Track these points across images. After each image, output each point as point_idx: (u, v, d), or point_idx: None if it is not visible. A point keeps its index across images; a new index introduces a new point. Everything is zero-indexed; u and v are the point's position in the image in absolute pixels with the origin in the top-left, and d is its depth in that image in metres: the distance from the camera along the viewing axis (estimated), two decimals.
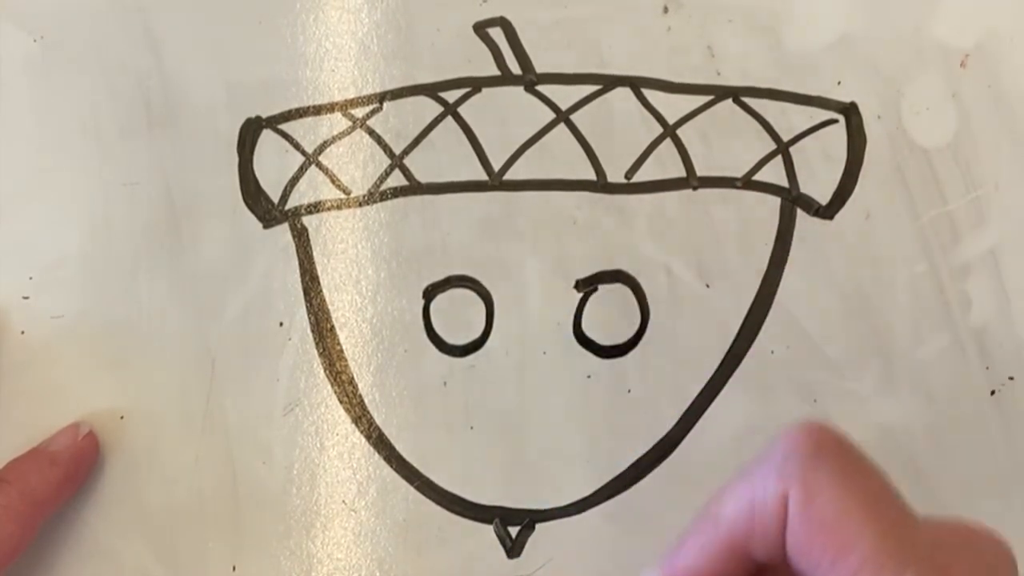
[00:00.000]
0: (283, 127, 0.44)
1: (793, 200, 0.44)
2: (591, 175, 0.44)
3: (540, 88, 0.44)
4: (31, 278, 0.44)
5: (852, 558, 0.32)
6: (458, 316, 0.44)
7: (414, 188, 0.44)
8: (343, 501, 0.43)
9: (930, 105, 0.44)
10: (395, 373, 0.44)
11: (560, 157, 0.44)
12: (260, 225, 0.44)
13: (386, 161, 0.44)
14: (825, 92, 0.44)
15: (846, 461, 0.33)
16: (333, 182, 0.44)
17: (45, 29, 0.44)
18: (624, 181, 0.44)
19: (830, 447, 0.33)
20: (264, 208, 0.44)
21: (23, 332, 0.44)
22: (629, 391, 0.44)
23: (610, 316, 0.44)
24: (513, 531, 0.44)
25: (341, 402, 0.44)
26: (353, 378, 0.44)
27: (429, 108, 0.44)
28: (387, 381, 0.44)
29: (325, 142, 0.44)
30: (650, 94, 0.44)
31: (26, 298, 0.44)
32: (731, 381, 0.43)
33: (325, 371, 0.44)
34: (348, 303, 0.44)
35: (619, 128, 0.44)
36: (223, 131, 0.44)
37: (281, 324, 0.44)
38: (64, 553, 0.43)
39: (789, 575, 0.34)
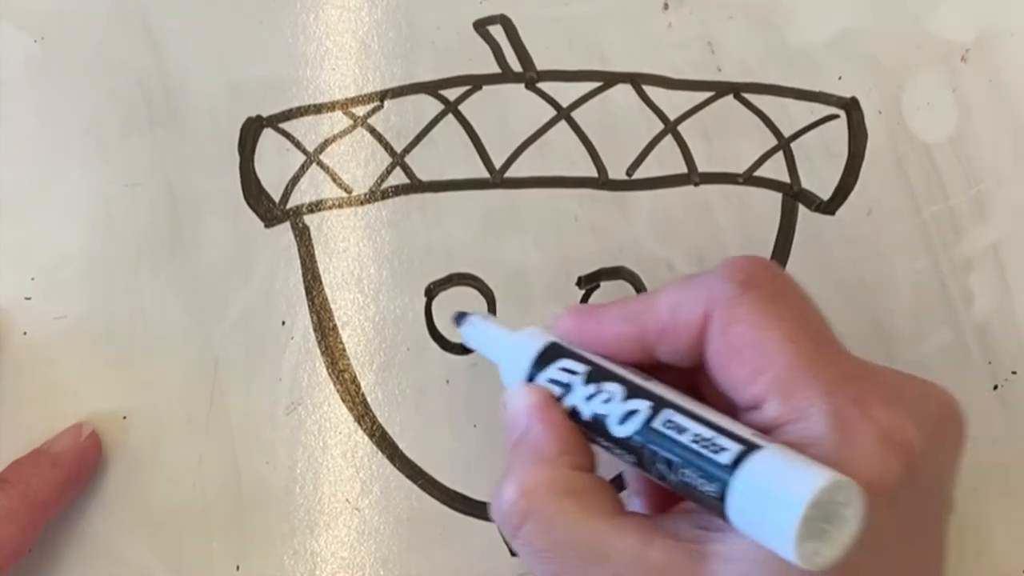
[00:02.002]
0: (284, 126, 0.44)
1: (794, 196, 0.44)
2: (592, 172, 0.44)
3: (541, 85, 0.44)
4: (33, 279, 0.44)
5: (763, 379, 0.33)
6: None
7: (415, 186, 0.44)
8: (346, 500, 0.43)
9: (931, 100, 0.44)
10: (397, 372, 0.44)
11: (561, 154, 0.44)
12: (262, 224, 0.44)
13: (387, 159, 0.44)
14: (826, 87, 0.44)
15: (772, 293, 0.34)
16: (334, 181, 0.44)
17: (46, 29, 0.44)
18: (625, 178, 0.44)
19: (760, 279, 0.34)
20: (265, 207, 0.44)
21: (25, 333, 0.44)
22: None
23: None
24: None
25: (344, 401, 0.44)
26: (355, 377, 0.44)
27: (430, 106, 0.44)
28: (389, 380, 0.44)
29: (326, 141, 0.44)
30: (651, 90, 0.44)
31: (28, 299, 0.44)
32: None
33: (327, 370, 0.44)
34: (350, 302, 0.44)
35: (620, 125, 0.44)
36: (224, 130, 0.44)
37: (283, 323, 0.44)
38: (68, 554, 0.43)
39: (678, 377, 0.36)
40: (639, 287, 0.44)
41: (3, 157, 0.44)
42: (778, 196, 0.44)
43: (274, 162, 0.44)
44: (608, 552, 0.33)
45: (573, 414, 0.36)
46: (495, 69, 0.44)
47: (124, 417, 0.44)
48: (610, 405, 0.34)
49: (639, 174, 0.44)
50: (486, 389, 0.44)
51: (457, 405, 0.44)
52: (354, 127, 0.44)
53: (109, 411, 0.44)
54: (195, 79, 0.44)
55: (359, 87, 0.44)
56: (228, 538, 0.43)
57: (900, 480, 0.31)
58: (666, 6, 0.44)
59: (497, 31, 0.44)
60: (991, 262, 0.44)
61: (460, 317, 0.41)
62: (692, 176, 0.44)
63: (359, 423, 0.44)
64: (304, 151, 0.44)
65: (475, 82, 0.44)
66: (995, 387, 0.43)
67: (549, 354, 0.37)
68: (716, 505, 0.31)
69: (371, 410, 0.44)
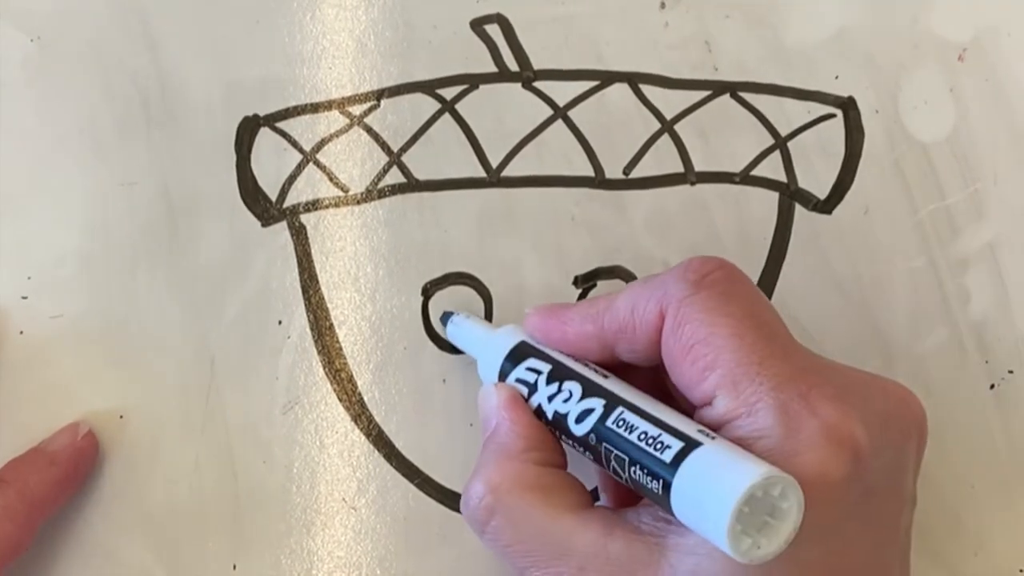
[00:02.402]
0: (281, 125, 0.44)
1: (791, 195, 0.44)
2: (589, 171, 0.44)
3: (538, 84, 0.44)
4: (30, 278, 0.44)
5: (713, 375, 0.33)
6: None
7: (412, 185, 0.44)
8: (343, 499, 0.43)
9: (928, 99, 0.44)
10: (394, 371, 0.44)
11: (558, 153, 0.44)
12: (258, 224, 0.44)
13: (384, 158, 0.44)
14: (823, 86, 0.44)
15: (724, 291, 0.35)
16: (331, 180, 0.44)
17: (42, 29, 0.44)
18: (622, 177, 0.44)
19: (713, 278, 0.35)
20: (262, 206, 0.44)
21: (22, 332, 0.44)
22: None
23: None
24: None
25: (340, 400, 0.44)
26: (352, 376, 0.44)
27: (427, 105, 0.44)
28: (386, 379, 0.44)
29: (323, 140, 0.44)
30: (648, 90, 0.44)
31: (25, 298, 0.44)
32: None
33: (324, 369, 0.44)
34: (347, 301, 0.44)
35: (617, 124, 0.44)
36: (221, 130, 0.44)
37: (280, 322, 0.44)
38: (64, 553, 0.43)
39: (642, 376, 0.37)
40: None
41: (0, 157, 0.44)
42: (775, 195, 0.44)
43: (271, 161, 0.44)
44: (571, 545, 0.34)
45: (539, 412, 0.37)
46: (492, 68, 0.44)
47: (121, 416, 0.44)
48: (569, 404, 0.36)
49: (636, 173, 0.44)
50: None
51: (454, 404, 0.44)
52: (351, 126, 0.44)
53: (106, 410, 0.44)
54: (192, 78, 0.44)
55: (356, 86, 0.44)
56: (225, 537, 0.43)
57: (846, 474, 0.32)
58: (663, 5, 0.44)
59: (494, 30, 0.44)
60: (988, 261, 0.44)
61: (446, 317, 0.42)
62: (689, 175, 0.44)
63: (356, 422, 0.44)
64: (301, 150, 0.44)
65: (472, 81, 0.44)
66: (992, 386, 0.43)
67: (518, 353, 0.38)
68: (664, 502, 0.32)
69: (368, 409, 0.44)
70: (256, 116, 0.44)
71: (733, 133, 0.44)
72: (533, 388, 0.37)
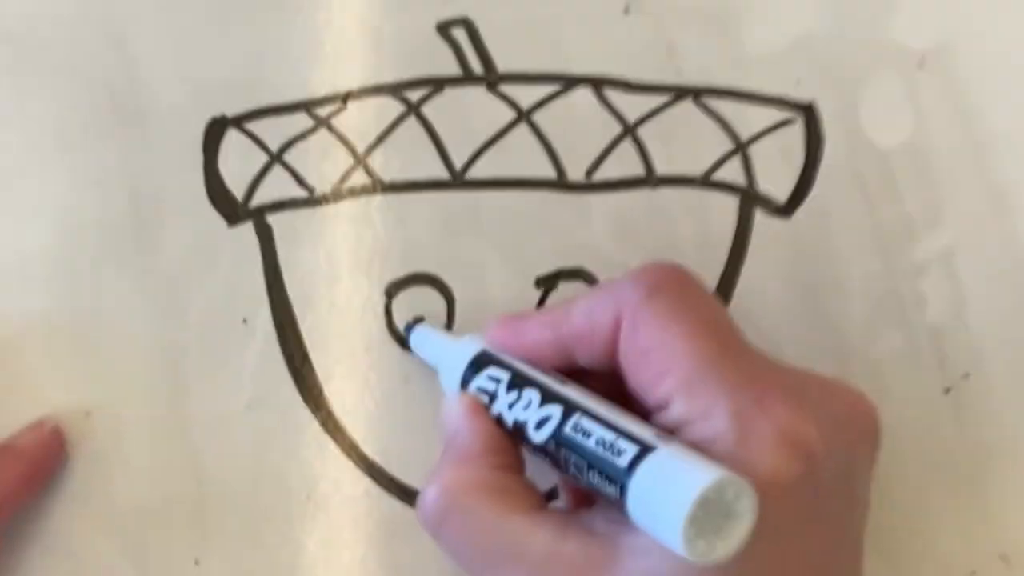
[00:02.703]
0: (248, 126, 0.45)
1: (751, 199, 0.44)
2: (552, 174, 0.44)
3: (502, 88, 0.44)
4: None
5: (668, 380, 0.34)
6: (420, 314, 0.44)
7: (377, 186, 0.44)
8: (306, 497, 0.44)
9: (888, 105, 0.44)
10: (357, 370, 0.44)
11: (521, 156, 0.44)
12: (225, 223, 0.44)
13: (350, 160, 0.44)
14: (784, 92, 0.44)
15: (678, 295, 0.35)
16: (297, 181, 0.44)
17: (10, 29, 0.45)
18: (584, 180, 0.44)
19: (667, 283, 0.36)
20: (229, 206, 0.44)
21: None
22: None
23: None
24: None
25: (304, 399, 0.44)
26: (316, 375, 0.44)
27: (392, 107, 0.44)
28: (350, 379, 0.44)
29: (289, 141, 0.45)
30: (611, 93, 0.44)
31: None
32: None
33: (288, 368, 0.44)
34: (311, 300, 0.44)
35: (580, 127, 0.44)
36: (188, 130, 0.44)
37: (245, 321, 0.44)
38: (29, 550, 0.43)
39: (601, 381, 0.37)
40: None
41: None
42: (735, 199, 0.44)
43: (238, 161, 0.44)
44: (524, 547, 0.34)
45: (500, 420, 0.37)
46: (457, 71, 0.45)
47: (87, 413, 0.44)
48: (528, 411, 0.36)
49: (598, 176, 0.44)
50: None
51: (416, 403, 0.44)
52: (317, 127, 0.44)
53: (72, 407, 0.44)
54: (160, 79, 0.45)
55: (323, 88, 0.45)
56: (190, 534, 0.44)
57: (798, 476, 0.32)
58: (627, 10, 0.45)
59: (460, 33, 0.45)
60: (944, 266, 0.44)
61: (409, 328, 0.43)
62: (650, 179, 0.44)
63: (318, 420, 0.44)
64: (267, 151, 0.44)
65: (437, 84, 0.44)
66: (947, 390, 0.44)
67: (480, 362, 0.38)
68: (621, 505, 0.32)
69: (330, 408, 0.44)
70: (224, 116, 0.45)
71: (695, 137, 0.44)
72: (494, 396, 0.37)
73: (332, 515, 0.44)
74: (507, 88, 0.44)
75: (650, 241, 0.44)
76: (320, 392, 0.44)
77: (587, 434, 0.34)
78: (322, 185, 0.44)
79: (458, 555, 0.36)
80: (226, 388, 0.44)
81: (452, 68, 0.45)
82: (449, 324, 0.44)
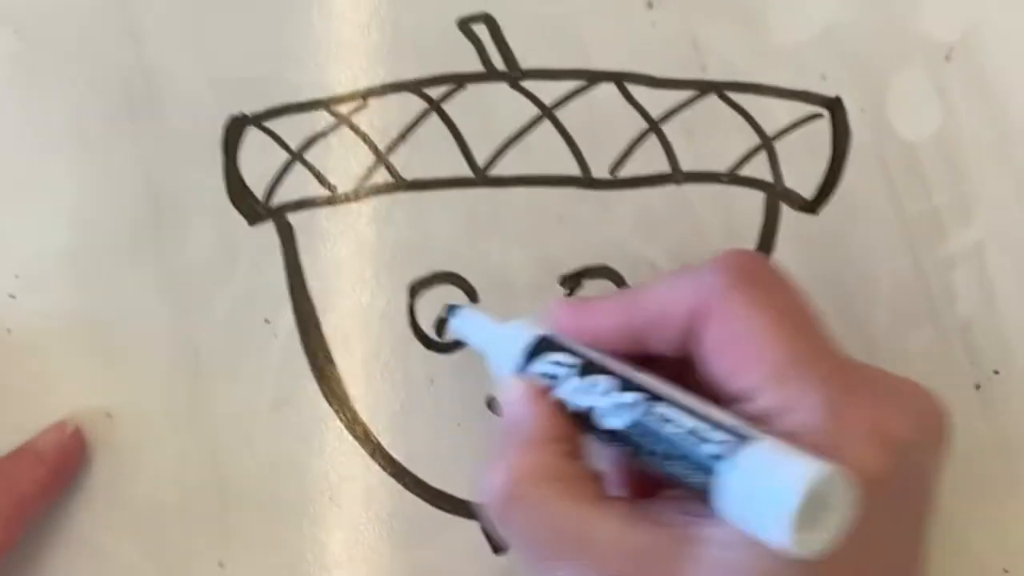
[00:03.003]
0: (268, 124, 0.44)
1: (777, 195, 0.44)
2: (576, 171, 0.44)
3: (525, 84, 0.44)
4: (17, 276, 0.44)
5: (756, 370, 0.33)
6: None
7: (399, 185, 0.44)
8: (329, 497, 0.44)
9: (915, 98, 0.44)
10: (381, 370, 0.44)
11: (545, 153, 0.44)
12: (245, 222, 0.44)
13: (371, 158, 0.44)
14: (809, 86, 0.44)
15: (765, 285, 0.35)
16: (318, 179, 0.44)
17: (27, 24, 0.44)
18: (609, 177, 0.44)
19: (752, 272, 0.35)
20: (249, 205, 0.44)
21: (9, 330, 0.44)
22: None
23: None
24: None
25: (327, 399, 0.44)
26: (339, 375, 0.44)
27: (414, 105, 0.44)
28: (373, 378, 0.44)
29: (310, 139, 0.44)
30: (635, 89, 0.44)
31: (12, 296, 0.44)
32: None
33: (310, 368, 0.44)
34: (333, 300, 0.44)
35: (604, 124, 0.44)
36: (208, 128, 0.44)
37: (267, 321, 0.44)
38: (52, 551, 0.43)
39: (672, 369, 0.36)
40: (622, 286, 0.44)
41: None
42: (761, 195, 0.44)
43: (258, 160, 0.44)
44: (592, 536, 0.33)
45: (565, 406, 0.36)
46: (479, 68, 0.44)
47: (108, 414, 0.44)
48: (601, 397, 0.35)
49: (622, 173, 0.44)
50: (470, 388, 0.44)
51: (440, 404, 0.44)
52: (338, 125, 0.44)
53: (93, 408, 0.44)
54: (179, 76, 0.44)
55: (343, 85, 0.44)
56: (211, 535, 0.44)
57: (888, 472, 0.32)
58: (650, 5, 0.44)
59: (481, 30, 0.44)
60: (974, 261, 0.44)
61: (451, 309, 0.42)
62: (675, 175, 0.44)
63: (342, 421, 0.44)
64: (288, 149, 0.44)
65: (459, 81, 0.44)
66: (977, 386, 0.43)
67: (540, 347, 0.37)
68: (706, 496, 0.31)
69: (354, 408, 0.44)
70: (244, 115, 0.44)
71: (720, 133, 0.44)
72: (557, 381, 0.36)
73: (355, 516, 0.44)
74: (530, 84, 0.44)
75: (676, 238, 0.44)
76: (343, 392, 0.44)
77: (672, 422, 0.33)
78: (344, 183, 0.44)
79: (522, 543, 0.35)
80: (248, 388, 0.44)
81: (474, 65, 0.44)
82: None
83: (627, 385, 0.35)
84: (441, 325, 0.44)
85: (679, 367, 0.36)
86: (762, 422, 0.33)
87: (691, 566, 0.32)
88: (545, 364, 0.37)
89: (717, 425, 0.32)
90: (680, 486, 0.33)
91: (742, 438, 0.31)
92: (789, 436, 0.32)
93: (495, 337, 0.40)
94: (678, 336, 0.35)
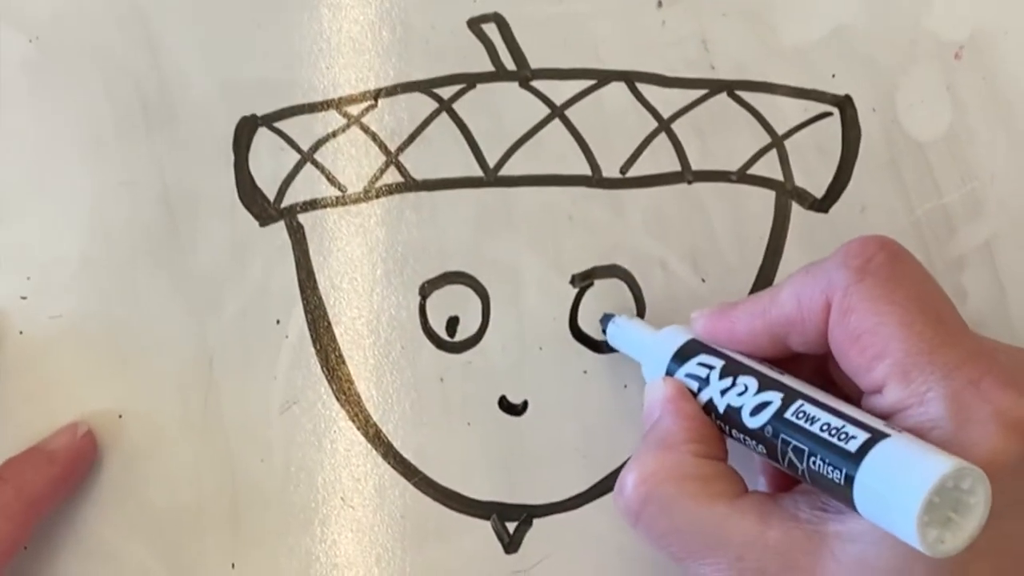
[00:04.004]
0: (279, 125, 0.44)
1: (788, 194, 0.44)
2: (586, 170, 0.44)
3: (535, 83, 0.44)
4: (29, 278, 0.44)
5: (881, 365, 0.33)
6: (454, 312, 0.44)
7: (409, 185, 0.44)
8: (341, 498, 0.44)
9: (925, 97, 0.44)
10: (392, 370, 0.44)
11: (555, 152, 0.44)
12: (256, 223, 0.44)
13: (381, 158, 0.44)
14: (819, 85, 0.44)
15: (889, 275, 0.34)
16: (329, 180, 0.44)
17: (41, 30, 0.44)
18: (619, 176, 0.44)
19: (876, 262, 0.35)
20: (260, 206, 0.44)
21: (21, 332, 0.44)
22: (625, 386, 0.44)
23: (606, 311, 0.44)
24: (511, 527, 0.44)
25: (338, 399, 0.44)
26: (350, 375, 0.44)
27: (424, 105, 0.44)
28: (384, 378, 0.44)
29: (320, 140, 0.44)
30: (645, 88, 0.44)
31: (24, 298, 0.44)
32: None
33: (322, 368, 0.44)
34: (344, 300, 0.44)
35: (614, 123, 0.44)
36: (219, 130, 0.44)
37: (278, 322, 0.44)
38: (63, 552, 0.43)
39: (815, 365, 0.37)
40: (633, 285, 0.44)
41: (0, 158, 0.44)
42: (772, 194, 0.44)
43: (269, 161, 0.44)
44: (726, 535, 0.34)
45: (709, 407, 0.37)
46: (489, 67, 0.44)
47: (119, 416, 0.44)
48: (743, 397, 0.36)
49: (633, 172, 0.44)
50: (480, 388, 0.44)
51: (451, 403, 0.44)
52: (348, 126, 0.44)
53: (105, 410, 0.44)
54: (190, 78, 0.44)
55: (353, 86, 0.44)
56: (223, 536, 0.44)
57: (1018, 459, 0.32)
58: (660, 3, 0.44)
59: (491, 29, 0.44)
60: (984, 260, 0.44)
61: (605, 319, 0.43)
62: (686, 174, 0.44)
63: (353, 421, 0.44)
64: (299, 150, 0.44)
65: (469, 80, 0.44)
66: None
67: (688, 351, 0.39)
68: (844, 493, 0.31)
69: (365, 408, 0.44)
70: (254, 116, 0.44)
71: (730, 132, 0.44)
72: (704, 383, 0.38)
73: (367, 516, 0.43)
74: (540, 84, 0.44)
75: (686, 237, 0.44)
76: (355, 392, 0.44)
77: (811, 420, 0.33)
78: (354, 184, 0.44)
79: (658, 543, 0.36)
80: (260, 389, 0.44)
81: (484, 64, 0.44)
82: (484, 322, 0.44)
83: (766, 384, 0.36)
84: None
85: (820, 364, 0.37)
86: (893, 417, 0.33)
87: (828, 562, 0.32)
88: (692, 366, 0.38)
89: (852, 422, 0.32)
90: (818, 485, 0.33)
91: (876, 435, 0.31)
92: (916, 431, 0.32)
93: (647, 344, 0.41)
94: (815, 334, 0.36)
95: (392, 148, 0.44)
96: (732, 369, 0.37)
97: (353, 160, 0.44)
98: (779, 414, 0.34)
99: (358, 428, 0.44)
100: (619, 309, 0.44)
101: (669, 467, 0.36)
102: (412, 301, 0.44)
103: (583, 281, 0.44)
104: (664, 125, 0.44)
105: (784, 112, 0.44)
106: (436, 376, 0.44)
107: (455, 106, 0.44)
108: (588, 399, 0.44)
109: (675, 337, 0.39)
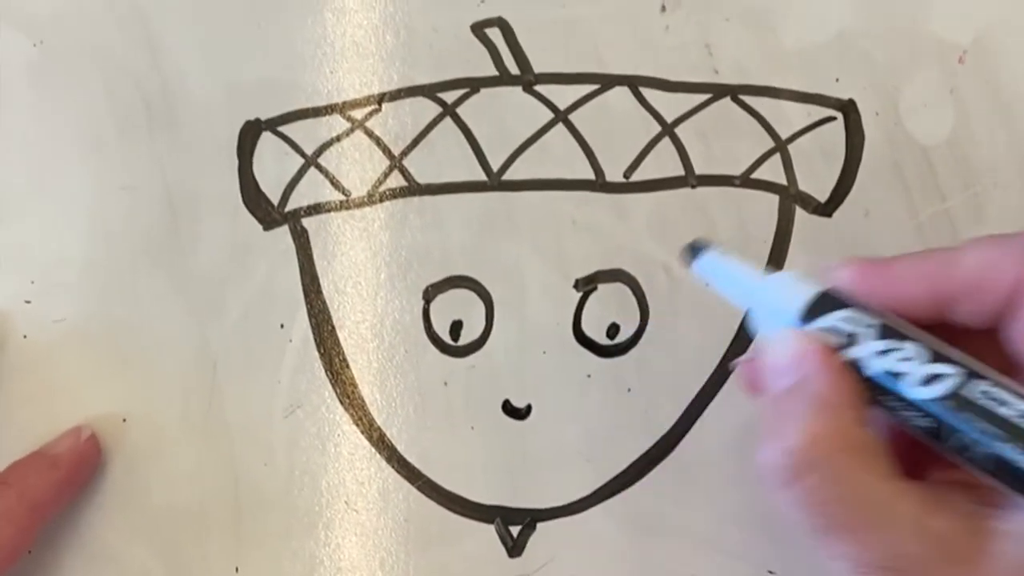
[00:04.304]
0: (283, 129, 0.44)
1: (792, 198, 0.44)
2: (590, 174, 0.44)
3: (538, 88, 0.44)
4: (32, 282, 0.44)
5: None
6: (458, 316, 0.44)
7: (413, 189, 0.44)
8: (344, 502, 0.44)
9: (928, 101, 0.44)
10: (396, 374, 0.44)
11: (559, 157, 0.44)
12: (260, 227, 0.44)
13: (385, 162, 0.44)
14: (823, 89, 0.44)
15: None
16: (332, 184, 0.44)
17: (44, 32, 0.44)
18: (623, 180, 0.44)
19: None
20: (264, 210, 0.44)
21: (25, 336, 0.44)
22: (629, 390, 0.44)
23: (609, 315, 0.44)
24: (514, 531, 0.44)
25: (342, 403, 0.44)
26: (354, 379, 0.44)
27: (428, 109, 0.44)
28: (388, 382, 0.44)
29: (324, 144, 0.44)
30: (648, 93, 0.44)
31: (28, 302, 0.44)
32: (731, 379, 0.43)
33: (326, 372, 0.44)
34: (348, 304, 0.44)
35: (617, 127, 0.44)
36: (223, 133, 0.44)
37: (282, 326, 0.44)
38: (67, 556, 0.44)
39: (960, 334, 0.33)
40: (636, 290, 0.44)
41: (2, 160, 0.44)
42: (775, 198, 0.44)
43: (273, 165, 0.44)
44: (891, 515, 0.32)
45: (853, 367, 0.34)
46: (493, 72, 0.44)
47: (123, 419, 0.44)
48: (910, 364, 0.32)
49: (636, 176, 0.44)
50: (483, 392, 0.44)
51: (455, 407, 0.44)
52: (352, 130, 0.44)
53: (108, 413, 0.44)
54: (194, 82, 0.44)
55: (357, 90, 0.44)
56: (227, 540, 0.44)
57: None
58: (663, 8, 0.44)
59: (495, 34, 0.44)
60: None
61: (693, 250, 0.37)
62: (689, 178, 0.44)
63: (357, 425, 0.44)
64: (302, 154, 0.44)
65: (473, 85, 0.44)
66: None
67: (825, 303, 0.34)
68: (1010, 485, 0.30)
69: (369, 412, 0.44)
70: (258, 120, 0.44)
71: (733, 136, 0.44)
72: (850, 340, 0.33)
73: (370, 520, 0.44)
74: (543, 88, 0.44)
75: (690, 241, 0.44)
76: (358, 396, 0.44)
77: (1002, 403, 0.31)
78: (358, 188, 0.44)
79: (811, 510, 0.33)
80: (263, 393, 0.44)
81: (488, 69, 0.44)
82: (487, 326, 0.44)
83: (941, 356, 0.32)
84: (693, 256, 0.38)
85: (972, 337, 0.34)
86: None
87: (987, 560, 0.31)
88: (835, 320, 0.34)
89: None
90: (992, 472, 0.31)
91: None
92: None
93: (759, 288, 0.36)
94: (993, 308, 0.33)
95: (396, 152, 0.44)
96: (892, 331, 0.33)
97: (357, 164, 0.44)
98: (958, 389, 0.31)
99: (362, 432, 0.44)
100: (622, 315, 0.44)
101: (835, 433, 0.32)
102: (416, 305, 0.44)
103: (587, 285, 0.44)
104: (668, 129, 0.44)
105: (788, 116, 0.44)
106: (440, 380, 0.44)
107: (459, 110, 0.44)
108: (591, 403, 0.44)
109: (801, 285, 0.35)
